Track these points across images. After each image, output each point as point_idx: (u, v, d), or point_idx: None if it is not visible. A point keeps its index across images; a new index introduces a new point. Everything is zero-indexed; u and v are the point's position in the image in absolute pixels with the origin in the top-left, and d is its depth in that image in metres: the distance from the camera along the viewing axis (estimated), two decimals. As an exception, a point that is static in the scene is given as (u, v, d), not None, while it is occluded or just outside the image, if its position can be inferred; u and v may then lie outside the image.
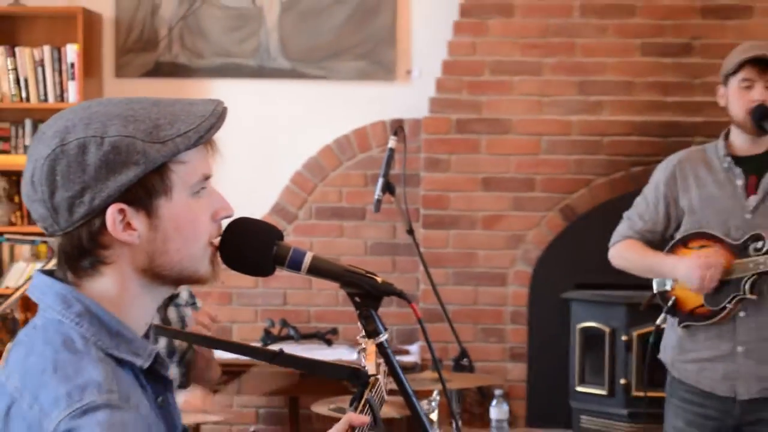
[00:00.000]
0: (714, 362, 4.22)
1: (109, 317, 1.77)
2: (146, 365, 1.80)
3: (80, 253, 1.77)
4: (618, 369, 5.91)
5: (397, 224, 6.33)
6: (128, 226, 1.75)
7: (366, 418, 2.20)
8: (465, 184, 6.17)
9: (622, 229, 4.41)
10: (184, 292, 4.82)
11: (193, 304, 4.88)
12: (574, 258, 6.01)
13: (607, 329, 5.94)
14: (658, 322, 4.36)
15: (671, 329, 4.36)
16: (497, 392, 5.98)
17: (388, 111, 6.46)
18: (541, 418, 6.22)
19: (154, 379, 1.83)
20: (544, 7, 6.15)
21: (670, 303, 4.28)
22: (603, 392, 5.97)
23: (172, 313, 4.77)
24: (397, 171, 4.94)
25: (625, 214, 4.44)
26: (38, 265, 5.49)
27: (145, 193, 1.75)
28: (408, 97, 6.43)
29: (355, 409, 2.24)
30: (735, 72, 4.14)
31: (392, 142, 4.70)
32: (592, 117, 6.14)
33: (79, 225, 1.75)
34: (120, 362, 1.76)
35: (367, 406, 2.26)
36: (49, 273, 1.83)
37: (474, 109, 6.17)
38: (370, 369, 2.42)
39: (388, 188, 4.63)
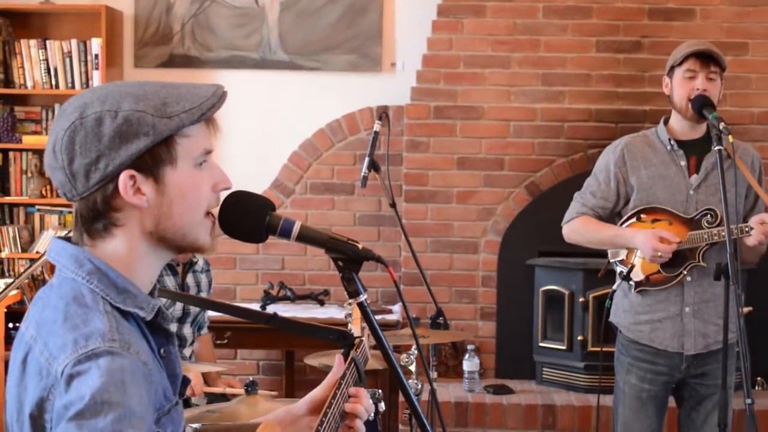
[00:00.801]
0: (664, 322, 4.23)
1: (116, 275, 1.77)
2: (149, 317, 1.79)
3: (95, 215, 1.77)
4: (576, 327, 5.92)
5: (382, 198, 6.33)
6: (138, 191, 1.76)
7: (344, 366, 2.21)
8: (442, 164, 6.16)
9: (575, 206, 4.40)
10: (200, 259, 4.82)
11: (208, 271, 4.89)
12: (537, 229, 6.01)
13: (566, 292, 5.94)
14: (614, 287, 4.36)
15: (622, 294, 4.36)
16: (469, 347, 6.02)
17: (374, 99, 6.44)
18: (508, 370, 6.22)
19: (156, 332, 1.82)
20: (512, 9, 6.13)
21: (626, 270, 4.28)
22: (563, 347, 5.98)
23: (190, 279, 4.78)
24: (382, 151, 4.91)
25: (577, 194, 4.43)
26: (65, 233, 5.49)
27: (153, 161, 1.75)
28: (392, 86, 6.42)
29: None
30: (680, 63, 4.14)
31: (377, 126, 4.67)
32: (554, 105, 6.12)
33: (94, 190, 1.75)
34: (126, 315, 1.76)
35: (353, 364, 2.26)
36: (66, 239, 1.84)
37: (450, 97, 6.15)
38: (356, 332, 2.42)
39: (374, 166, 4.61)
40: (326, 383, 2.22)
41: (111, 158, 1.72)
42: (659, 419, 4.31)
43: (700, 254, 4.16)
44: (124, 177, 1.74)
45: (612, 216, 4.37)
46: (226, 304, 2.73)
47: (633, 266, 4.27)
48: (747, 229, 4.03)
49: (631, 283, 4.28)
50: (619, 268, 4.34)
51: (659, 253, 4.11)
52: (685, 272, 4.19)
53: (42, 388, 1.66)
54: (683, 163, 4.23)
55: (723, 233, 3.98)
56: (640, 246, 4.17)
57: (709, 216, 4.15)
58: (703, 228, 4.15)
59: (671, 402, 4.37)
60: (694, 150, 4.24)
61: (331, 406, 2.10)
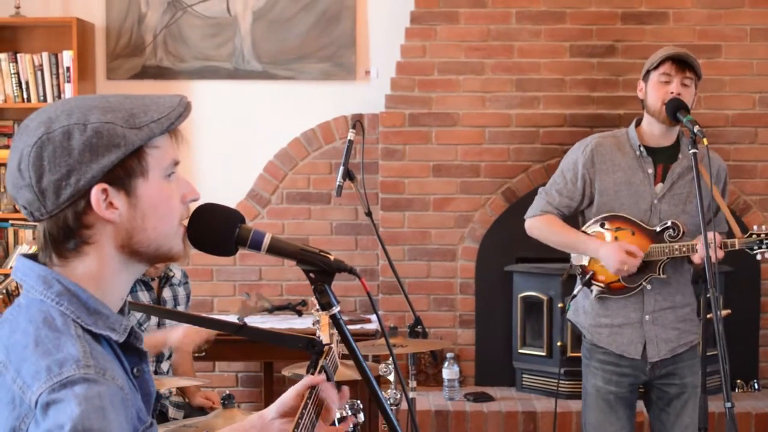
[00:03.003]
0: (623, 328, 4.26)
1: (87, 296, 1.73)
2: (122, 339, 1.76)
3: (65, 234, 1.73)
4: (555, 333, 5.91)
5: (358, 207, 6.31)
6: (110, 205, 1.72)
7: (322, 377, 2.20)
8: (418, 171, 6.14)
9: (539, 203, 4.40)
10: (178, 272, 4.77)
11: (186, 283, 4.84)
12: (515, 235, 5.96)
13: (544, 298, 5.94)
14: (574, 292, 4.37)
15: (584, 297, 4.37)
16: (449, 355, 6.00)
17: (349, 107, 6.42)
18: (488, 378, 6.21)
19: (129, 352, 1.79)
20: (485, 15, 6.12)
21: (587, 276, 4.30)
22: (542, 353, 5.97)
23: (167, 292, 4.72)
24: (357, 160, 4.89)
25: (542, 190, 4.44)
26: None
27: (125, 174, 1.72)
28: (367, 94, 6.40)
29: (312, 375, 2.24)
30: (656, 67, 4.14)
31: (351, 135, 4.65)
32: (529, 111, 6.12)
33: (65, 206, 1.71)
34: (97, 337, 1.72)
35: (323, 371, 2.25)
36: (32, 257, 1.79)
37: (425, 104, 6.14)
38: (324, 339, 2.40)
39: (349, 175, 4.59)
40: (296, 388, 2.20)
41: (82, 172, 1.68)
42: (630, 421, 4.33)
43: (661, 267, 4.20)
44: (96, 191, 1.70)
45: (575, 214, 4.38)
46: (195, 315, 2.71)
47: (594, 272, 4.29)
48: (694, 248, 4.10)
49: (592, 288, 4.30)
50: (581, 273, 4.35)
51: (625, 267, 4.13)
52: (644, 283, 4.21)
53: (15, 417, 1.62)
54: (650, 170, 4.24)
55: (684, 248, 4.08)
56: (604, 258, 4.18)
57: (671, 230, 4.18)
58: (665, 241, 4.18)
59: (640, 406, 4.40)
60: (663, 158, 4.26)
61: (303, 415, 2.09)
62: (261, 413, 2.20)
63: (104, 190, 1.71)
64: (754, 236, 4.19)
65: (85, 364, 1.62)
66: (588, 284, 4.31)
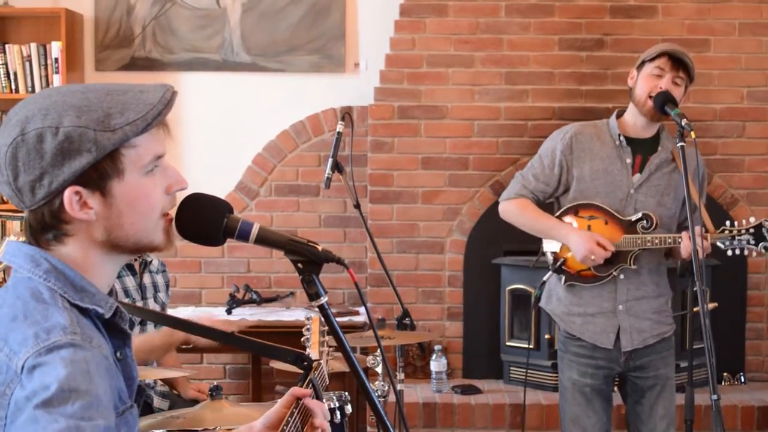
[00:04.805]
0: (596, 317, 4.28)
1: (74, 274, 1.76)
2: (108, 315, 1.78)
3: (44, 227, 1.77)
4: (542, 326, 5.92)
5: (347, 200, 6.30)
6: (85, 205, 1.74)
7: (308, 391, 2.20)
8: (406, 164, 6.14)
9: (514, 186, 4.41)
10: (155, 260, 4.74)
11: (164, 272, 4.81)
12: (503, 228, 5.93)
13: (532, 290, 5.93)
14: (544, 279, 4.38)
15: (557, 283, 4.38)
16: (437, 347, 6.00)
17: (338, 99, 6.42)
18: (475, 370, 6.21)
19: (114, 333, 1.81)
20: (474, 8, 6.12)
21: (558, 263, 4.31)
22: (530, 346, 5.97)
23: (146, 278, 4.70)
24: (346, 152, 4.89)
25: (518, 173, 4.45)
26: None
27: (98, 176, 1.73)
28: (356, 87, 6.40)
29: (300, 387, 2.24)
30: (652, 59, 4.15)
31: (340, 127, 4.65)
32: (518, 103, 6.12)
33: (41, 204, 1.74)
34: (84, 312, 1.74)
35: (311, 385, 2.25)
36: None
37: (414, 97, 6.13)
38: (314, 356, 2.41)
39: (337, 168, 4.59)
40: (282, 401, 2.21)
41: (54, 175, 1.71)
42: (606, 413, 4.35)
43: (632, 258, 4.21)
44: (68, 193, 1.72)
45: (550, 200, 4.40)
46: (183, 320, 2.71)
47: (565, 259, 4.29)
48: (679, 240, 4.11)
49: (562, 275, 4.31)
50: (552, 260, 4.36)
51: (593, 257, 4.14)
52: (615, 273, 4.22)
53: (0, 383, 1.64)
54: (628, 160, 4.26)
55: (656, 240, 4.11)
56: (574, 246, 4.20)
57: (645, 221, 4.20)
58: (638, 232, 4.19)
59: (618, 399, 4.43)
60: (642, 149, 4.27)
61: (288, 423, 2.10)
62: (249, 425, 2.22)
63: (77, 192, 1.73)
64: (726, 232, 4.20)
65: (72, 331, 1.65)
66: (558, 271, 4.32)
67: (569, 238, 4.23)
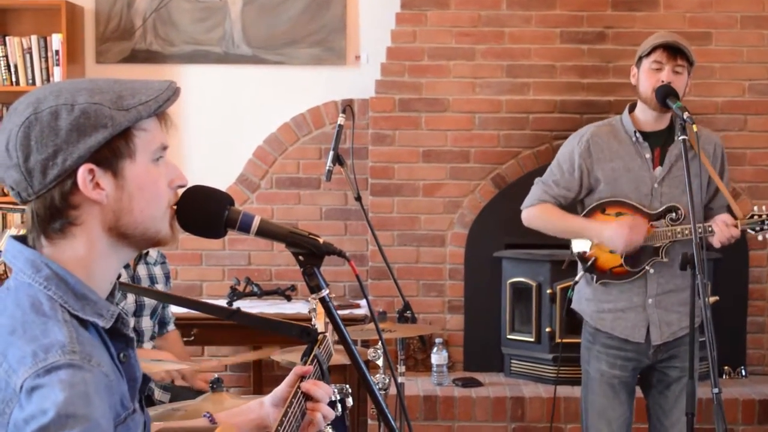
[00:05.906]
0: (627, 312, 4.27)
1: (75, 281, 1.73)
2: (108, 326, 1.76)
3: (52, 214, 1.73)
4: (543, 319, 5.92)
5: (348, 192, 6.30)
6: (97, 185, 1.72)
7: (310, 368, 2.20)
8: (408, 156, 6.13)
9: (536, 193, 4.40)
10: (153, 251, 4.72)
11: (164, 263, 4.80)
12: (504, 221, 5.99)
13: (533, 283, 5.94)
14: (576, 279, 4.38)
15: (586, 283, 4.37)
16: (437, 340, 6.00)
17: (339, 92, 6.41)
18: (476, 363, 6.21)
19: (116, 337, 1.79)
20: (475, 0, 6.11)
21: (589, 263, 4.30)
22: (531, 339, 5.98)
23: (142, 270, 4.67)
24: (347, 145, 4.89)
25: (539, 180, 4.44)
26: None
27: (112, 154, 1.72)
28: (357, 79, 6.39)
29: (305, 363, 2.24)
30: (648, 54, 4.14)
31: (341, 120, 4.64)
32: (519, 97, 6.11)
33: (51, 186, 1.71)
34: (84, 323, 1.72)
35: (315, 360, 2.25)
36: (21, 239, 1.80)
37: (415, 90, 6.12)
38: (320, 327, 2.40)
39: (338, 160, 4.59)
40: (287, 380, 2.21)
41: (69, 152, 1.69)
42: (630, 405, 4.35)
43: (663, 251, 4.20)
44: (83, 171, 1.70)
45: (573, 204, 4.39)
46: (190, 299, 2.71)
47: (596, 258, 4.28)
48: (709, 229, 4.10)
49: (594, 274, 4.30)
50: (582, 260, 4.35)
51: (631, 244, 4.14)
52: (647, 267, 4.22)
53: (0, 400, 1.62)
54: (648, 155, 4.24)
55: (687, 231, 4.07)
56: (609, 239, 4.18)
57: (673, 213, 4.18)
58: (667, 225, 4.18)
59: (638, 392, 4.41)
60: (659, 141, 4.25)
61: (292, 405, 2.09)
62: (261, 400, 2.23)
63: (91, 171, 1.71)
64: (755, 217, 4.20)
65: (71, 350, 1.62)
66: (590, 270, 4.31)
67: (603, 234, 4.22)
